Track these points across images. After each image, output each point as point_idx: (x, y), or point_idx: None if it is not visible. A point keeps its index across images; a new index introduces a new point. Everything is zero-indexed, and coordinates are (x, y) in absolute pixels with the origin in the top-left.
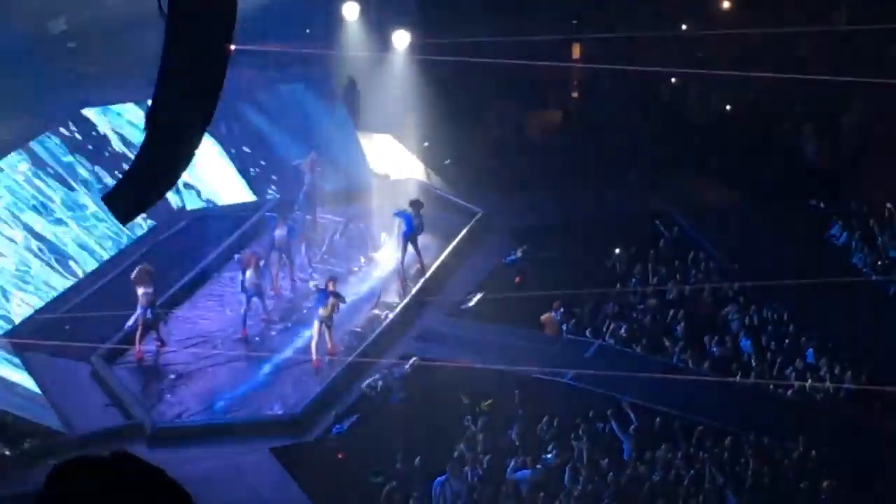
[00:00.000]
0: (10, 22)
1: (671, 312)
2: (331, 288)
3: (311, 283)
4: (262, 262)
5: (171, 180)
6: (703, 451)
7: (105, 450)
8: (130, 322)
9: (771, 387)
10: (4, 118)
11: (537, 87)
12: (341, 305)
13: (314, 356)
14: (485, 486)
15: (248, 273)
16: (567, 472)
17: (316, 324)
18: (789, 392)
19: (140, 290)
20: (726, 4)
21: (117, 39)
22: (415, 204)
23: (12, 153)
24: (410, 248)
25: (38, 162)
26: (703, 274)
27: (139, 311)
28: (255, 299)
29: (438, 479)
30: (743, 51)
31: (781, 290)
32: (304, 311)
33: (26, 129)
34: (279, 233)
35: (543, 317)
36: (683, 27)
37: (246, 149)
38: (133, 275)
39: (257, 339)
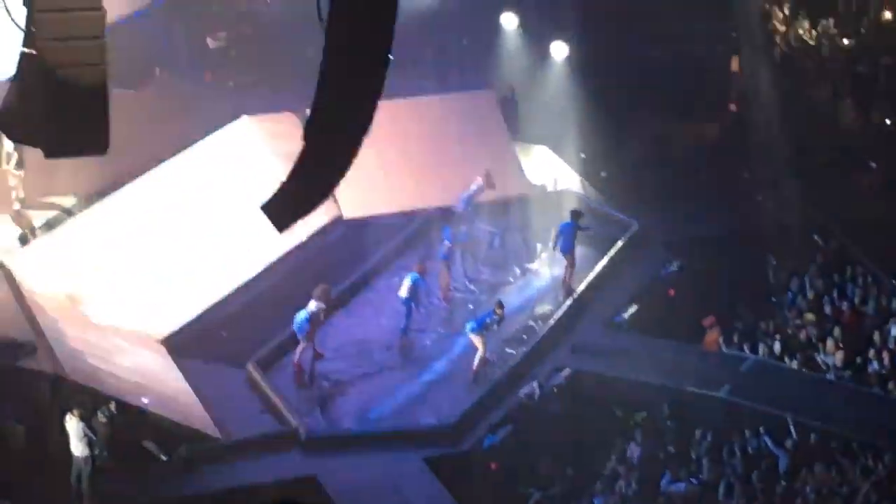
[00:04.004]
0: (182, 35)
1: (828, 327)
2: (497, 311)
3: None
4: (427, 272)
5: (328, 189)
6: (859, 468)
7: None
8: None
9: None
10: (169, 123)
11: (695, 99)
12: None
13: (475, 365)
14: (638, 499)
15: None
16: (721, 487)
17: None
18: None
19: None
20: (888, 15)
21: (275, 48)
22: (575, 214)
23: (175, 156)
24: (567, 259)
25: (199, 166)
26: (862, 288)
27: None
28: (414, 308)
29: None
30: None
31: None
32: (459, 320)
33: (186, 135)
34: (447, 243)
35: (709, 334)
36: (845, 42)
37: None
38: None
39: (412, 347)
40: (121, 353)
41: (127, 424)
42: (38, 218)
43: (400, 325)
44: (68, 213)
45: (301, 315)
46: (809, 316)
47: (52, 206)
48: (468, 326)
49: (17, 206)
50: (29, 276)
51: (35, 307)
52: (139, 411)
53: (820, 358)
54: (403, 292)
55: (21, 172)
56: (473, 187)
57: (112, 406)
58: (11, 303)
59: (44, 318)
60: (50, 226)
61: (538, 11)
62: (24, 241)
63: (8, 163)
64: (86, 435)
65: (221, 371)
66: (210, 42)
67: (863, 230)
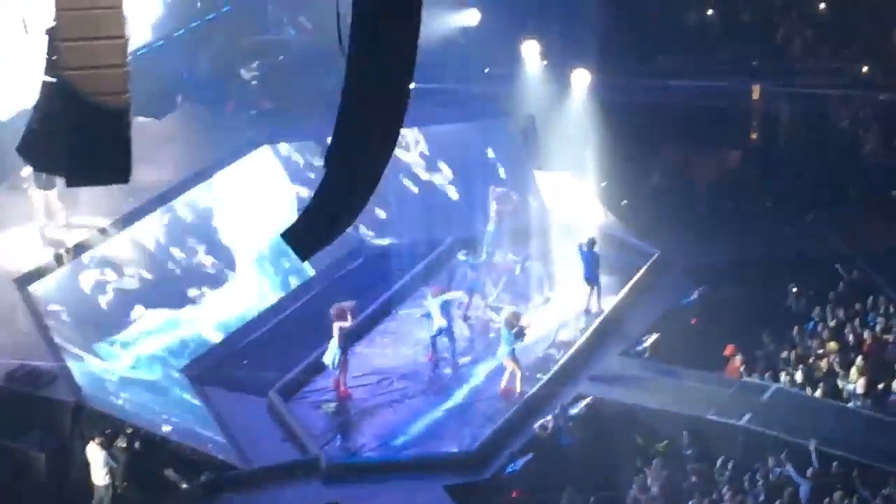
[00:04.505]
0: (207, 64)
1: (849, 356)
2: (514, 322)
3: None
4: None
5: (350, 217)
6: (881, 498)
7: (280, 484)
8: (329, 358)
9: None
10: (197, 149)
11: (715, 128)
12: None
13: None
14: None
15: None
16: None
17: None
18: None
19: (338, 325)
20: None
21: (298, 77)
22: (591, 242)
23: (197, 184)
24: (588, 286)
25: (221, 194)
26: (884, 317)
27: (337, 347)
28: (442, 336)
29: None
30: None
31: None
32: (481, 349)
33: (211, 163)
34: (467, 270)
35: (731, 362)
36: (864, 69)
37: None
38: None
39: (434, 375)
40: (141, 381)
41: (148, 453)
42: (69, 238)
43: (449, 351)
44: (103, 232)
45: (333, 348)
46: (832, 344)
47: (82, 226)
48: (502, 351)
49: (46, 224)
50: (49, 301)
51: (56, 333)
52: (160, 439)
53: (842, 385)
54: (439, 321)
55: (52, 191)
56: (492, 212)
57: (132, 433)
58: (32, 330)
59: (64, 344)
60: (81, 248)
61: (560, 40)
62: (59, 261)
63: (37, 183)
64: (107, 464)
65: (243, 399)
66: (244, 73)
67: (885, 259)
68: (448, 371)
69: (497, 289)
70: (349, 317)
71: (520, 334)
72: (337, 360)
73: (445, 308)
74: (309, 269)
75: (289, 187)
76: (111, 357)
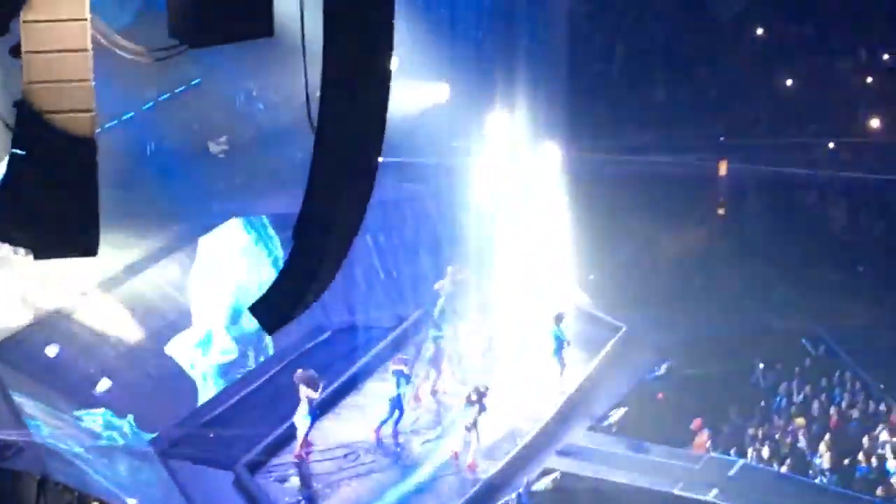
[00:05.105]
0: (176, 137)
1: (816, 431)
2: (473, 398)
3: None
4: (409, 372)
5: (317, 292)
6: None
7: None
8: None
9: None
10: (164, 224)
11: (683, 203)
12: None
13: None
14: None
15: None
16: None
17: (463, 431)
18: None
19: (306, 393)
20: (875, 123)
21: (267, 150)
22: (557, 317)
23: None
24: (556, 361)
25: (189, 267)
26: (850, 394)
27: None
28: (398, 411)
29: None
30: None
31: None
32: (448, 424)
33: (179, 236)
34: (426, 346)
35: (698, 437)
36: (831, 145)
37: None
38: (300, 376)
39: (400, 450)
40: (108, 453)
41: None
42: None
43: (390, 422)
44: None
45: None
46: (799, 420)
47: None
48: (464, 423)
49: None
50: (15, 369)
51: (22, 406)
52: None
53: (809, 459)
54: (392, 391)
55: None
56: (438, 286)
57: None
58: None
59: (31, 417)
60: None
61: (528, 113)
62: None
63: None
64: None
65: (209, 473)
66: (211, 146)
67: (850, 335)
68: (411, 443)
69: (465, 364)
70: (317, 386)
71: (481, 409)
72: (307, 425)
73: (399, 379)
74: (276, 343)
75: (257, 260)
76: (77, 429)
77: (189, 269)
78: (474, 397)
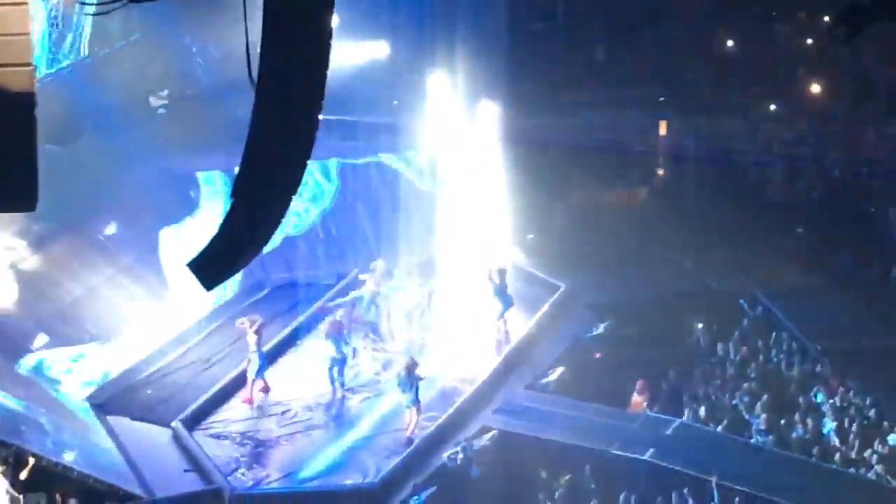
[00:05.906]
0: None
1: (753, 391)
2: (402, 375)
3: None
4: (346, 332)
5: (256, 248)
6: None
7: None
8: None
9: (852, 469)
10: (103, 179)
11: (622, 164)
12: (420, 382)
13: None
14: None
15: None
16: None
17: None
18: (870, 475)
19: (251, 338)
20: (815, 88)
21: (206, 107)
22: (500, 272)
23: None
24: (496, 319)
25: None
26: (786, 354)
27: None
28: (337, 368)
29: None
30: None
31: (865, 372)
32: (386, 382)
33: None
34: (359, 306)
35: (635, 398)
36: (772, 107)
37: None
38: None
39: (338, 408)
40: (46, 409)
41: (50, 481)
42: None
43: (331, 383)
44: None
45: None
46: (741, 383)
47: None
48: (406, 400)
49: None
50: None
51: None
52: (63, 468)
53: (746, 419)
54: (332, 353)
55: None
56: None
57: (35, 462)
58: None
59: None
60: None
61: (468, 72)
62: None
63: None
64: (8, 492)
65: (147, 429)
66: (153, 100)
67: (787, 296)
68: (349, 401)
69: (407, 321)
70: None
71: (415, 382)
72: (255, 369)
73: (337, 341)
74: (214, 300)
75: (196, 216)
76: (14, 384)
77: (126, 224)
78: (403, 374)
